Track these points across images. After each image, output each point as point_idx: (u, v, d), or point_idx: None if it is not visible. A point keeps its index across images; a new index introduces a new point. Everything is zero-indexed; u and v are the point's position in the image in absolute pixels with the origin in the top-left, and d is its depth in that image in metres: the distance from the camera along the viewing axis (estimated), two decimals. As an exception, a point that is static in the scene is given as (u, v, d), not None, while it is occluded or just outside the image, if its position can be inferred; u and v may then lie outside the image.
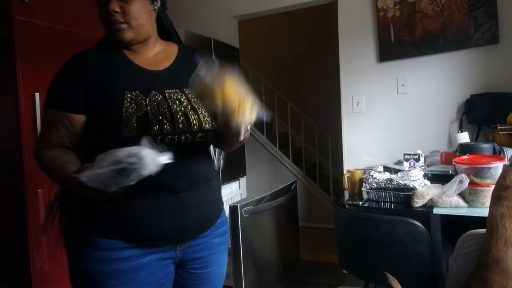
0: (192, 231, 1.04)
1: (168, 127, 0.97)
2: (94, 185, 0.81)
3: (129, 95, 0.97)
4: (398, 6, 2.57)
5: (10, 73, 1.85)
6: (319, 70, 4.88)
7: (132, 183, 0.81)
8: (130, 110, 0.95)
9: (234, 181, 3.05)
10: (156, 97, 0.99)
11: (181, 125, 0.99)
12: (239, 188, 3.15)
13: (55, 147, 1.00)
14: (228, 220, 2.11)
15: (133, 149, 0.80)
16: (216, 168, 2.71)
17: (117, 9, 0.98)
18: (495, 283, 1.03)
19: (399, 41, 2.58)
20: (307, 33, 5.01)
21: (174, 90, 1.02)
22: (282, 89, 4.82)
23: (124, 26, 1.00)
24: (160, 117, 0.97)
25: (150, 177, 0.83)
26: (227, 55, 2.91)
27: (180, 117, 0.99)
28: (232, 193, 3.01)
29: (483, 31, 2.36)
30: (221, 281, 1.18)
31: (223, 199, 2.90)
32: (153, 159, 0.79)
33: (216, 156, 2.72)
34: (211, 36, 2.75)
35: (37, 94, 1.89)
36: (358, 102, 2.76)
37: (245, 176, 3.21)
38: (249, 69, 4.49)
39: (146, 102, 0.98)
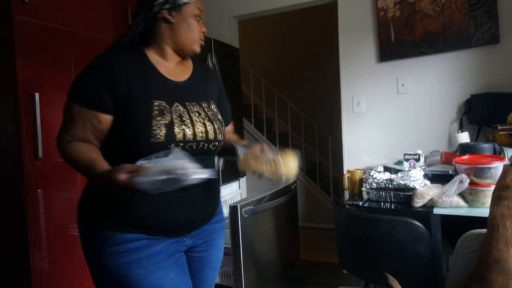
0: (201, 222, 1.18)
1: (189, 136, 1.07)
2: (142, 189, 0.87)
3: (156, 104, 1.05)
4: (398, 6, 2.57)
5: (10, 73, 1.85)
6: (319, 70, 4.88)
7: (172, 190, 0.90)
8: (158, 118, 1.04)
9: (234, 181, 3.05)
10: (179, 107, 1.09)
11: (200, 134, 1.10)
12: (239, 188, 3.15)
13: (78, 141, 1.04)
14: (228, 219, 2.11)
15: (179, 162, 0.89)
16: (216, 168, 2.71)
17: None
18: (496, 283, 1.03)
19: (399, 41, 2.58)
20: (307, 33, 5.01)
21: (194, 102, 1.14)
22: (282, 89, 4.82)
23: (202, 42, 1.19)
24: (183, 126, 1.07)
25: None
26: (227, 55, 2.91)
27: (199, 127, 1.10)
28: (232, 193, 3.01)
29: (483, 31, 2.36)
30: (219, 263, 1.32)
31: (223, 199, 2.92)
32: (195, 174, 0.90)
33: (216, 157, 2.72)
34: (211, 36, 2.75)
35: (37, 94, 1.89)
36: (358, 102, 2.76)
37: (245, 176, 3.21)
38: (249, 69, 4.49)
39: (170, 111, 1.07)
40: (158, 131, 1.02)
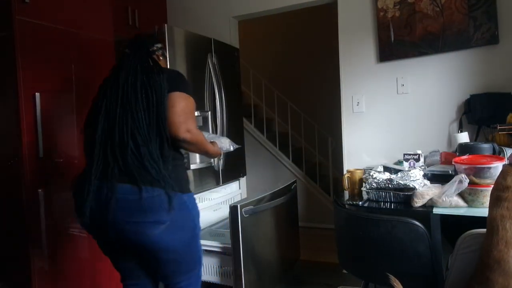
0: None
1: None
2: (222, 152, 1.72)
3: None
4: (398, 6, 2.57)
5: (10, 73, 1.85)
6: (319, 70, 4.88)
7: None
8: None
9: (234, 181, 3.05)
10: None
11: None
12: (239, 188, 3.15)
13: None
14: (228, 219, 2.11)
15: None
16: (216, 168, 2.72)
17: None
18: (497, 284, 1.03)
19: (399, 41, 2.58)
20: (307, 33, 5.01)
21: None
22: (282, 89, 4.82)
23: None
24: None
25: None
26: (227, 55, 2.91)
27: None
28: (232, 193, 3.01)
29: (483, 32, 2.36)
30: None
31: (223, 199, 2.91)
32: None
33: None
34: (211, 36, 2.75)
35: (37, 94, 1.89)
36: (358, 102, 2.77)
37: (245, 176, 3.20)
38: (249, 69, 4.49)
39: None
40: None
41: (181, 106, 1.38)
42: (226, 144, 1.72)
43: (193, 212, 1.48)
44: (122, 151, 1.31)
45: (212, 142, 1.62)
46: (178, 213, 1.36)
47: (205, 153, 1.57)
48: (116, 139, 1.32)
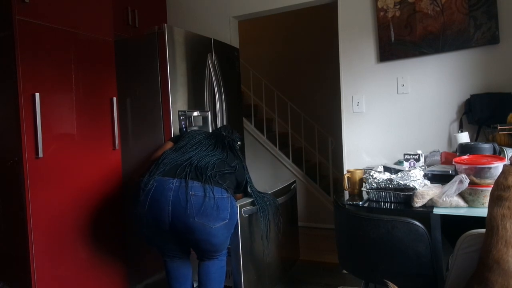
0: None
1: None
2: None
3: None
4: (398, 6, 2.57)
5: (10, 73, 1.85)
6: (319, 70, 4.88)
7: None
8: None
9: (234, 181, 3.05)
10: None
11: None
12: (239, 188, 3.15)
13: None
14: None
15: None
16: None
17: None
18: (497, 283, 1.03)
19: (399, 41, 2.58)
20: (307, 33, 5.01)
21: None
22: (282, 89, 4.82)
23: None
24: None
25: None
26: (227, 55, 2.91)
27: None
28: (232, 193, 3.00)
29: (483, 31, 2.36)
30: None
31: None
32: None
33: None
34: (211, 36, 2.75)
35: (37, 94, 1.89)
36: (358, 102, 2.76)
37: (245, 176, 3.20)
38: (249, 69, 4.49)
39: None
40: None
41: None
42: None
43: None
44: (203, 168, 1.79)
45: None
46: (232, 211, 1.81)
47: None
48: (202, 164, 1.82)
